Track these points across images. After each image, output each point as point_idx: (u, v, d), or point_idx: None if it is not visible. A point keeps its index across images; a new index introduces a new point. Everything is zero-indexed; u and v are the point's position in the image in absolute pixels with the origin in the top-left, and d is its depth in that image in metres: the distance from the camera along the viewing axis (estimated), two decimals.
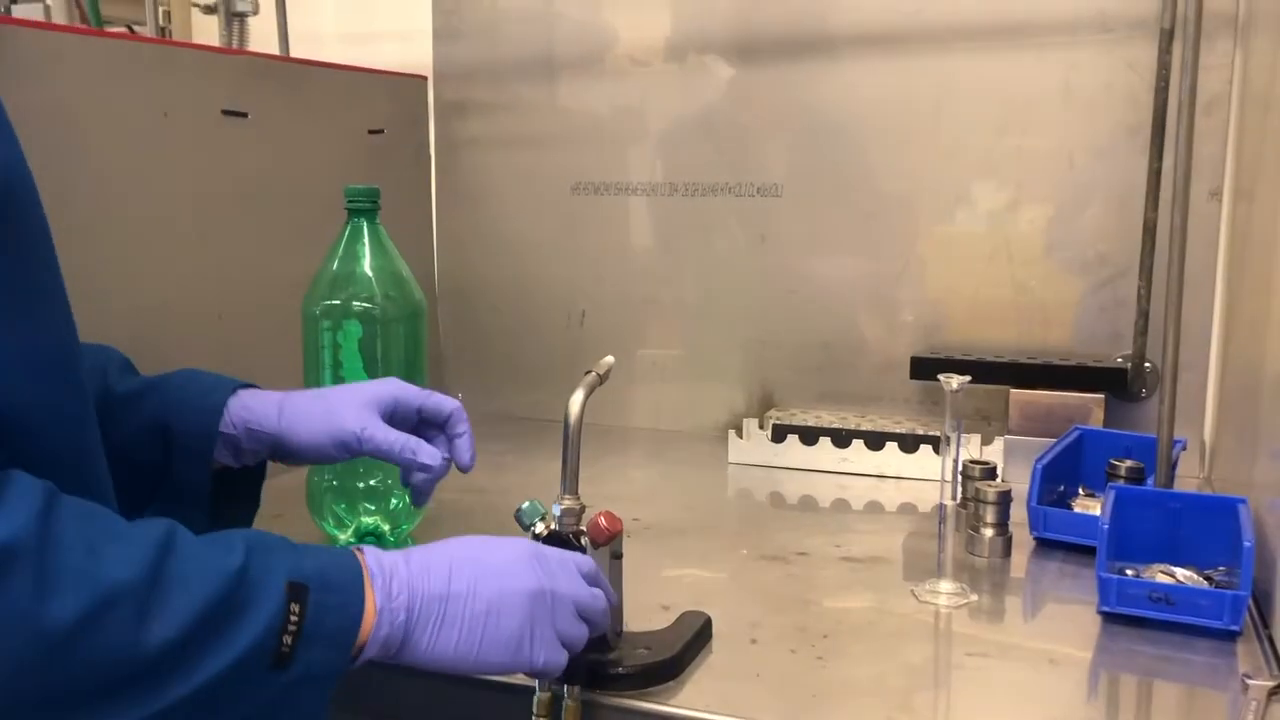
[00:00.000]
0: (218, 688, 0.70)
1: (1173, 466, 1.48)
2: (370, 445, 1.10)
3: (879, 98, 1.92)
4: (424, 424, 1.18)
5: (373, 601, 0.81)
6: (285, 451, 1.10)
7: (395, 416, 1.14)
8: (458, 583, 0.86)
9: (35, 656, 0.62)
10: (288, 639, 0.74)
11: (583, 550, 1.03)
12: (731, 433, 1.90)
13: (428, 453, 1.12)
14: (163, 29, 2.03)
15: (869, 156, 1.94)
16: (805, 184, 1.99)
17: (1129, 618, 1.20)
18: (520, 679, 1.02)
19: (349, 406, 1.10)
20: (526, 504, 1.04)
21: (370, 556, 0.85)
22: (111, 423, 0.98)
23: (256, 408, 1.09)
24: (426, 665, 0.85)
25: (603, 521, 1.03)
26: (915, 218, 1.93)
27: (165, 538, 0.71)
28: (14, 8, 1.94)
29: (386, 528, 1.42)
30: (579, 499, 1.06)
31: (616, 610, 1.08)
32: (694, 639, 1.12)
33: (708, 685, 1.07)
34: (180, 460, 1.05)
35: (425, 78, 2.16)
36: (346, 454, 1.11)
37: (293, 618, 0.74)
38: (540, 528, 1.04)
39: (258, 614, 0.73)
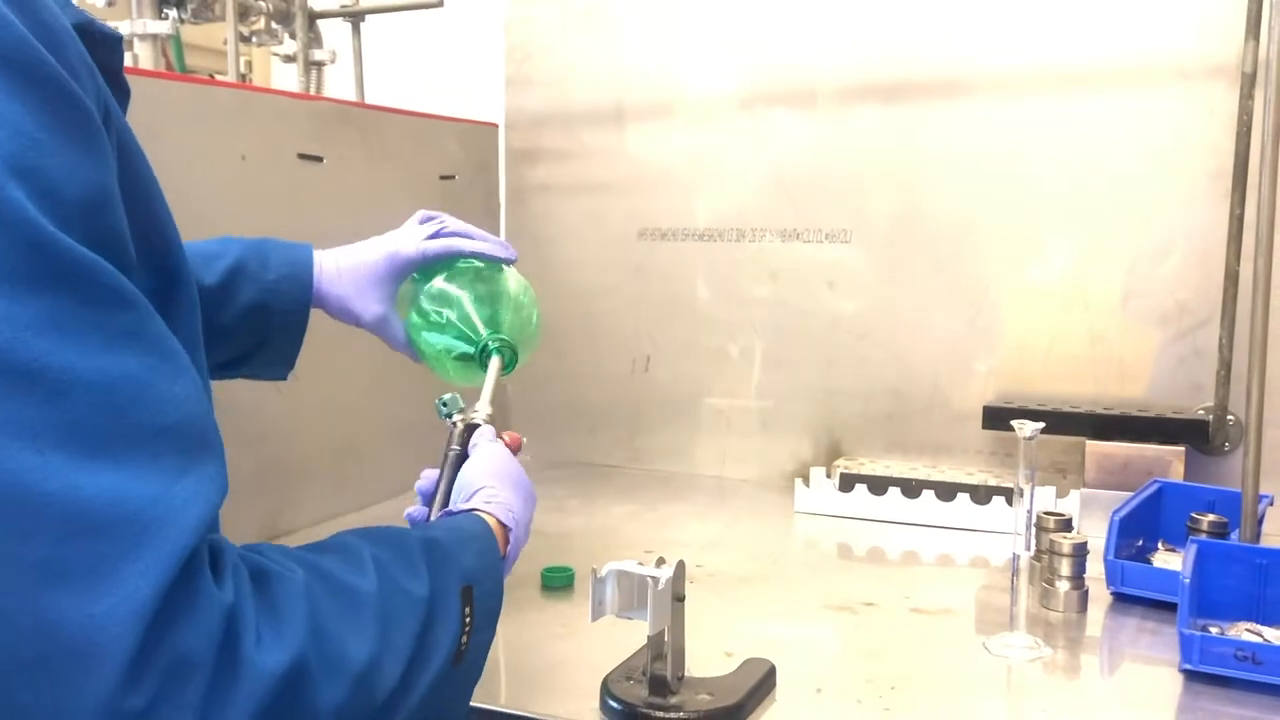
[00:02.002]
0: (420, 702, 0.77)
1: (1259, 521, 1.43)
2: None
3: (951, 145, 1.90)
4: None
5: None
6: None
7: None
8: (523, 512, 1.02)
9: None
10: (464, 638, 0.83)
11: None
12: (798, 481, 1.88)
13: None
14: (243, 76, 2.09)
15: (941, 204, 1.92)
16: (875, 230, 1.97)
17: (1213, 677, 1.15)
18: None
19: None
20: (449, 396, 1.13)
21: (499, 514, 0.97)
22: (210, 309, 1.10)
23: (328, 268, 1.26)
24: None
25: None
26: (988, 266, 1.90)
27: (378, 590, 0.76)
28: None
29: None
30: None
31: (678, 654, 1.06)
32: (757, 686, 1.09)
33: None
34: (278, 334, 1.21)
35: (496, 125, 2.20)
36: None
37: (466, 620, 0.83)
38: (458, 419, 1.11)
39: (446, 631, 0.81)
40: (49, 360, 0.59)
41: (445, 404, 1.13)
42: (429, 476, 1.09)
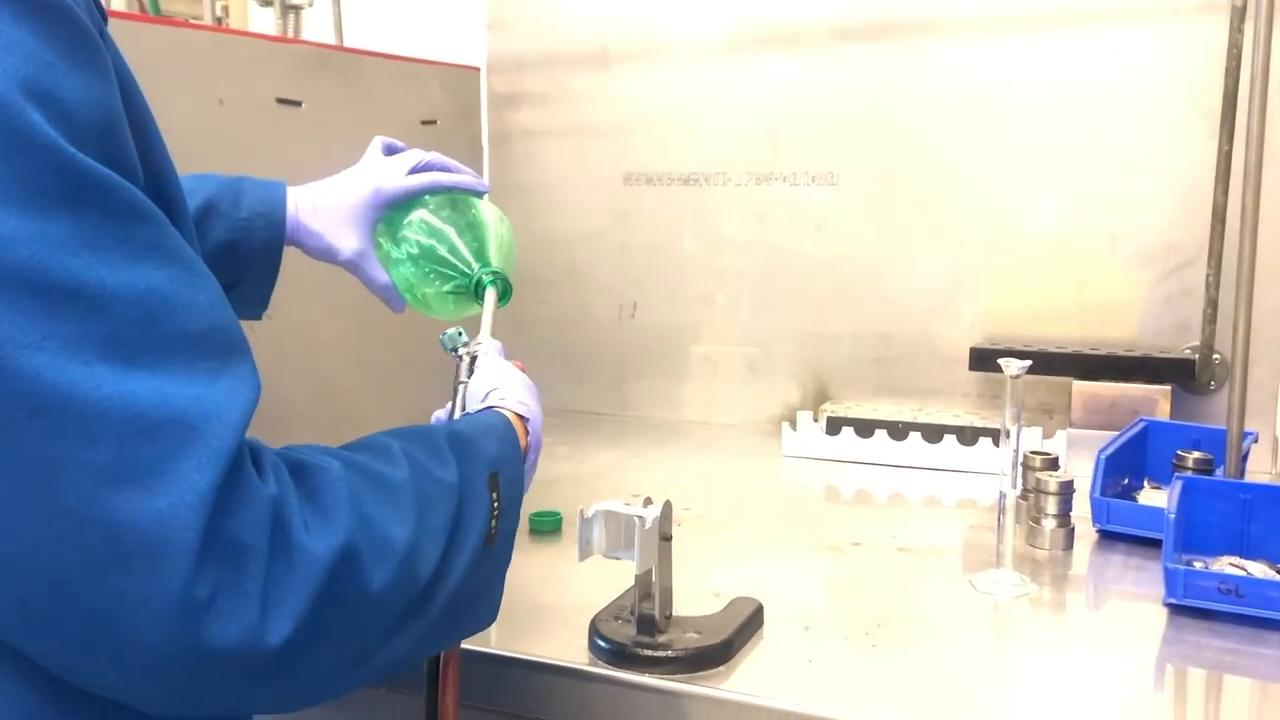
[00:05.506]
0: (459, 583, 0.81)
1: (1243, 459, 1.43)
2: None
3: (938, 87, 1.89)
4: None
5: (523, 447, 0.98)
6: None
7: None
8: (536, 408, 1.05)
9: (368, 623, 0.72)
10: (494, 522, 0.86)
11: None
12: (785, 425, 1.88)
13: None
14: (219, 19, 2.05)
15: (927, 146, 1.91)
16: (861, 174, 1.96)
17: (1197, 610, 1.16)
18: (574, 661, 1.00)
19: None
20: (451, 330, 1.12)
21: (513, 407, 1.00)
22: None
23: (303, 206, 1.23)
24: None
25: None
26: (976, 208, 1.89)
27: (411, 478, 0.79)
28: None
29: None
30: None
31: (666, 593, 1.06)
32: (745, 625, 1.10)
33: (758, 671, 1.05)
34: (251, 273, 1.20)
35: (478, 69, 2.16)
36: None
37: (495, 504, 0.87)
38: (464, 353, 1.11)
39: (478, 515, 0.84)
40: (85, 277, 0.61)
41: (449, 339, 1.13)
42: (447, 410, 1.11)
